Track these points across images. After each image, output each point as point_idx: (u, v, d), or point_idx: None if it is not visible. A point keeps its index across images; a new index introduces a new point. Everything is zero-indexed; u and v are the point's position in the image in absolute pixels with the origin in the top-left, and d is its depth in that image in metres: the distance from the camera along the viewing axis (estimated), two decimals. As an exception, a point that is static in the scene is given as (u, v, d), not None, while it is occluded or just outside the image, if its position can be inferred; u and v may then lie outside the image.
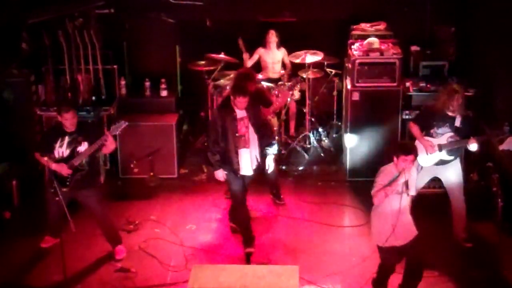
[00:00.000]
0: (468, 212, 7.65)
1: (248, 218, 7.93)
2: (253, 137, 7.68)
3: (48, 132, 7.95)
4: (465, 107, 7.59)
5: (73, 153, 7.40)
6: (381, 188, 6.41)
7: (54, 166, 7.37)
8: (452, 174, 7.65)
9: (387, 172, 6.49)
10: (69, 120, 7.36)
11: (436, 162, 7.62)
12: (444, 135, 7.53)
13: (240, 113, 7.58)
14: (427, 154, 7.57)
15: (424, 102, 8.80)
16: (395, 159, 6.40)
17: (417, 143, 7.59)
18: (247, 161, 7.70)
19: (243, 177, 7.76)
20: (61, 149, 7.41)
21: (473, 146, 7.42)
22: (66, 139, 7.42)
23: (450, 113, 7.49)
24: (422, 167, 7.64)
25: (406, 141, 6.86)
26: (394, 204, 6.43)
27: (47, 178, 8.73)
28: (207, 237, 8.19)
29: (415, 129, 7.70)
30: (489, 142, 7.88)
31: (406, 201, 6.52)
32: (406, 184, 6.40)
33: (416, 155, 6.43)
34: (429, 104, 7.91)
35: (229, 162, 7.66)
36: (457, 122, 7.51)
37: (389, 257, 6.68)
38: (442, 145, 7.53)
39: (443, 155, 7.54)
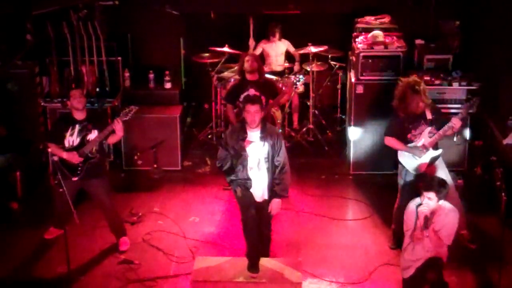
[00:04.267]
0: (472, 206, 7.62)
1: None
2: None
3: (58, 121, 7.95)
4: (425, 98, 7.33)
5: (83, 142, 7.42)
6: (411, 233, 6.26)
7: (65, 155, 7.39)
8: (440, 172, 7.41)
9: (409, 211, 6.29)
10: (77, 99, 7.39)
11: (429, 162, 7.38)
12: (422, 133, 7.33)
13: (253, 135, 6.90)
14: (416, 159, 7.35)
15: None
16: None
17: (400, 155, 7.42)
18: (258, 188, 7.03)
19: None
20: (72, 138, 7.43)
21: (456, 124, 7.17)
22: (77, 127, 7.44)
23: (418, 111, 7.29)
24: (415, 176, 7.41)
25: (432, 177, 6.43)
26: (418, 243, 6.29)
27: (51, 169, 8.77)
28: (210, 229, 8.20)
29: (392, 141, 7.41)
30: (491, 132, 7.76)
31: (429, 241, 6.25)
32: (426, 222, 6.15)
33: (437, 193, 6.10)
34: (394, 112, 7.59)
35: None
36: (428, 115, 7.35)
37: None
38: (427, 143, 7.32)
39: (431, 152, 7.35)
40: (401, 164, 7.47)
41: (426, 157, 7.35)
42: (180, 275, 7.29)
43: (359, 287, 7.13)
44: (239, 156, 6.84)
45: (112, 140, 7.67)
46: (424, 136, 7.35)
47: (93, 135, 7.45)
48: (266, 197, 6.98)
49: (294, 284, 6.44)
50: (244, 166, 6.86)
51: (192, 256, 7.55)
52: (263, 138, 6.83)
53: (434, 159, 7.40)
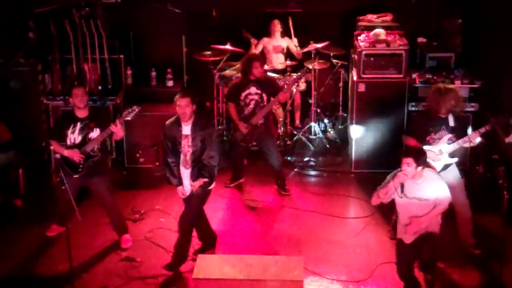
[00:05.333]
0: (474, 205, 7.59)
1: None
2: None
3: (60, 118, 7.97)
4: (457, 104, 7.32)
5: (85, 140, 7.43)
6: (379, 190, 6.45)
7: (66, 152, 7.40)
8: (454, 179, 7.40)
9: (392, 174, 6.45)
10: (79, 97, 7.39)
11: (441, 169, 7.34)
12: (442, 139, 7.28)
13: (186, 129, 7.07)
14: (430, 162, 7.25)
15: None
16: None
17: None
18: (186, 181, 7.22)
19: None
20: (73, 136, 7.44)
21: (475, 139, 7.21)
22: (78, 125, 7.45)
23: (442, 115, 7.26)
24: None
25: (411, 146, 6.64)
26: (404, 209, 6.48)
27: (54, 167, 8.78)
28: (212, 227, 8.19)
29: (411, 141, 7.34)
30: (494, 131, 7.74)
31: (419, 209, 6.40)
32: (402, 187, 6.32)
33: (415, 158, 6.24)
34: (419, 112, 7.69)
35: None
36: (451, 122, 7.29)
37: (399, 250, 6.70)
38: (443, 149, 7.29)
39: (446, 159, 7.33)
40: None
41: (440, 163, 7.33)
42: (181, 273, 7.29)
43: (361, 285, 7.13)
44: (174, 149, 7.05)
45: (115, 137, 7.69)
46: (443, 142, 7.31)
47: (95, 133, 7.45)
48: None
49: (296, 282, 6.44)
50: (177, 159, 7.08)
51: (194, 254, 7.55)
52: (194, 131, 6.97)
53: (446, 166, 7.38)
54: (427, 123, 7.34)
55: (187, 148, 7.03)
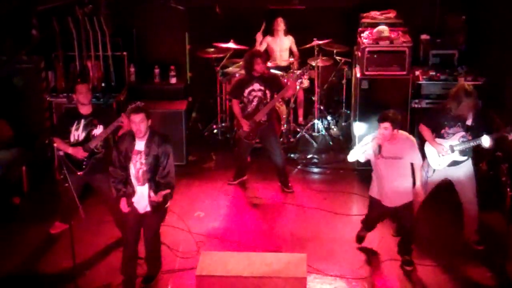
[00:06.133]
0: (477, 202, 7.59)
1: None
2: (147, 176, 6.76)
3: (64, 115, 7.97)
4: (477, 107, 7.36)
5: (89, 136, 7.44)
6: (357, 149, 7.12)
7: (70, 150, 7.40)
8: (464, 175, 7.47)
9: (371, 137, 7.07)
10: (83, 94, 7.40)
11: (449, 163, 7.43)
12: (455, 135, 7.32)
13: (140, 144, 6.71)
14: (439, 156, 7.39)
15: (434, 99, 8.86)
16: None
17: (427, 145, 7.47)
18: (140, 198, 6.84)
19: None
20: (77, 133, 7.45)
21: (486, 143, 7.19)
22: (82, 122, 7.46)
23: (466, 114, 7.28)
24: (434, 170, 7.46)
25: (387, 110, 7.01)
26: (380, 168, 7.05)
27: (57, 164, 8.78)
28: (215, 224, 8.21)
29: (425, 131, 7.46)
30: (504, 138, 7.77)
31: (394, 168, 6.98)
32: (379, 148, 6.89)
33: (391, 122, 6.80)
34: (439, 105, 7.71)
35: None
36: (469, 121, 7.32)
37: (371, 207, 7.40)
38: (454, 146, 7.33)
39: (456, 156, 7.36)
40: (425, 155, 7.48)
41: (448, 158, 7.37)
42: (185, 270, 7.31)
43: (364, 282, 7.13)
44: (126, 166, 6.71)
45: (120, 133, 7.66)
46: (456, 138, 7.34)
47: (98, 130, 7.46)
48: (148, 208, 6.78)
49: (299, 279, 6.44)
50: (129, 176, 6.73)
51: (197, 251, 7.56)
52: (148, 147, 6.64)
53: (456, 162, 7.40)
54: (444, 117, 7.37)
55: (139, 164, 6.67)
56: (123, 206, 6.80)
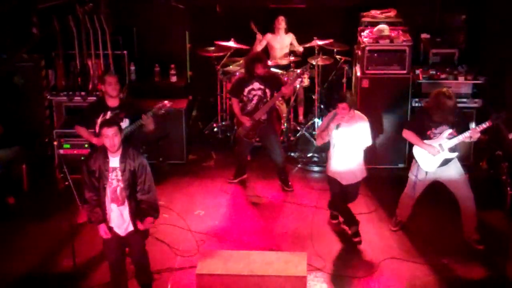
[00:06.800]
0: (477, 201, 7.58)
1: None
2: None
3: (92, 106, 7.86)
4: (454, 109, 7.32)
5: None
6: (319, 132, 7.57)
7: (94, 140, 7.38)
8: (456, 172, 7.44)
9: (328, 116, 7.55)
10: (112, 85, 7.37)
11: (440, 163, 7.39)
12: (442, 133, 7.30)
13: (114, 161, 6.28)
14: (430, 157, 7.35)
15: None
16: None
17: (416, 149, 7.44)
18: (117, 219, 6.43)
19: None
20: None
21: (475, 135, 7.17)
22: (109, 114, 7.40)
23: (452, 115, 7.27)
24: (427, 173, 7.43)
25: (344, 91, 7.45)
26: (337, 147, 7.54)
27: (57, 162, 8.77)
28: (215, 223, 8.21)
29: (411, 135, 7.44)
30: (497, 127, 7.74)
31: (345, 150, 7.49)
32: (338, 126, 7.36)
33: (349, 103, 7.28)
34: (421, 109, 7.74)
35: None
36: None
37: (332, 186, 7.77)
38: (443, 144, 7.31)
39: (446, 154, 7.34)
40: (414, 159, 7.47)
41: (439, 157, 7.34)
42: (185, 268, 7.30)
43: (364, 281, 7.13)
44: (100, 185, 6.29)
45: (146, 130, 7.57)
46: (443, 136, 7.33)
47: (124, 124, 7.37)
48: (131, 228, 6.42)
49: (299, 278, 6.45)
50: (104, 195, 6.31)
51: (197, 249, 7.57)
52: (123, 163, 6.24)
53: (447, 161, 7.39)
54: (428, 118, 7.35)
55: (116, 182, 6.25)
56: (104, 232, 6.36)
